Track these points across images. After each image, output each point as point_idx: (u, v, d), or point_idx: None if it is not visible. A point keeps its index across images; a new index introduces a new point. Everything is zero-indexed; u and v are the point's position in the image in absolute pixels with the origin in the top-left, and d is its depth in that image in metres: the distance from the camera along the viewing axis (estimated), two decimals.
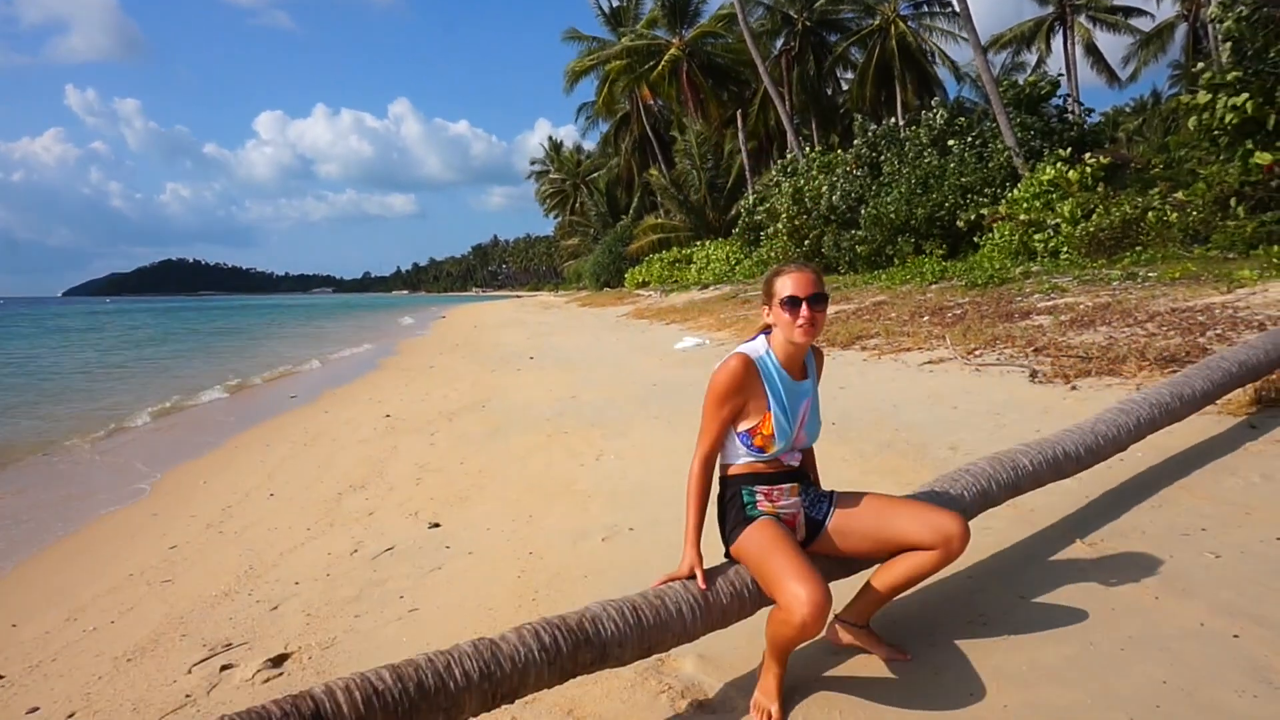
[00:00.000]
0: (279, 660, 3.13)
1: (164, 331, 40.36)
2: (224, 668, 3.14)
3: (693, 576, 2.39)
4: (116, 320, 58.53)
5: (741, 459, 2.50)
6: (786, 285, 2.44)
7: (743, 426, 2.45)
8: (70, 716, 2.95)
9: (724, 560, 2.55)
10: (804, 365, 2.56)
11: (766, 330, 2.55)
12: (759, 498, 2.48)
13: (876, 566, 2.60)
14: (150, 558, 4.95)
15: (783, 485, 2.51)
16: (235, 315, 65.74)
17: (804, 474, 2.61)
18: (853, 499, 2.58)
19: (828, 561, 2.58)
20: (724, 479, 2.55)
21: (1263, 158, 11.59)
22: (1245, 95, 11.75)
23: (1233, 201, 12.06)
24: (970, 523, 3.48)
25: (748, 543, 2.40)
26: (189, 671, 3.15)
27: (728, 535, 2.50)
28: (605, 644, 2.18)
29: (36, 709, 3.07)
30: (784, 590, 2.20)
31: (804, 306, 2.40)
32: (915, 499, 2.73)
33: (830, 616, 2.47)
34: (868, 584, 2.61)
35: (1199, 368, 4.40)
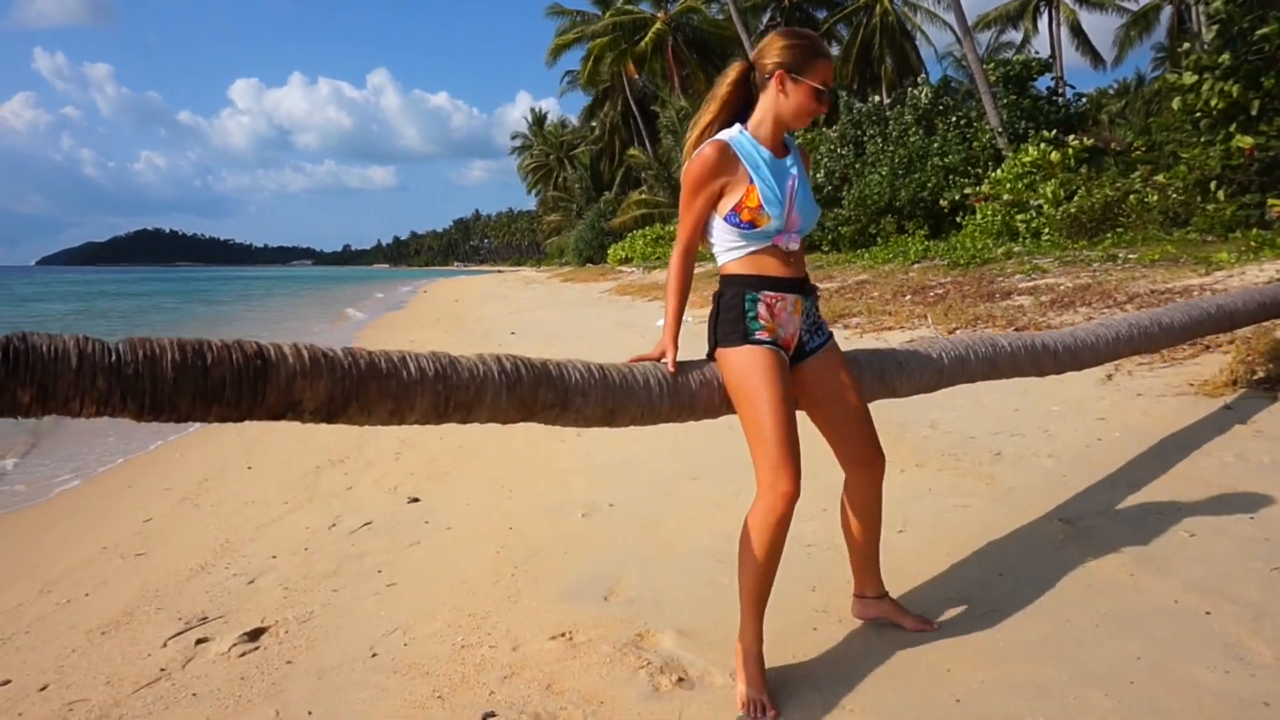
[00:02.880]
0: (255, 634, 3.10)
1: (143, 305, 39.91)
2: (199, 641, 3.11)
3: (664, 360, 2.33)
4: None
5: (741, 249, 2.33)
6: (822, 73, 2.27)
7: (727, 206, 2.29)
8: (43, 689, 2.92)
9: (705, 358, 2.44)
10: (784, 145, 2.38)
11: (739, 119, 2.38)
12: (760, 308, 2.29)
13: (843, 532, 2.63)
14: (124, 530, 4.90)
15: (789, 296, 2.32)
16: (214, 288, 65.01)
17: (810, 288, 2.43)
18: (839, 360, 2.46)
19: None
20: (723, 278, 2.37)
21: (1244, 141, 11.64)
22: (1232, 80, 11.78)
23: (1213, 185, 12.12)
24: (948, 503, 3.52)
25: (741, 365, 2.26)
26: (164, 645, 3.12)
27: (719, 337, 2.33)
28: (568, 389, 2.13)
29: (9, 681, 3.03)
30: (766, 466, 2.19)
31: (825, 100, 2.30)
32: (894, 350, 2.76)
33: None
34: (849, 548, 2.64)
35: (1179, 305, 4.42)
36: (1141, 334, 3.86)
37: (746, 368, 2.26)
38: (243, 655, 2.95)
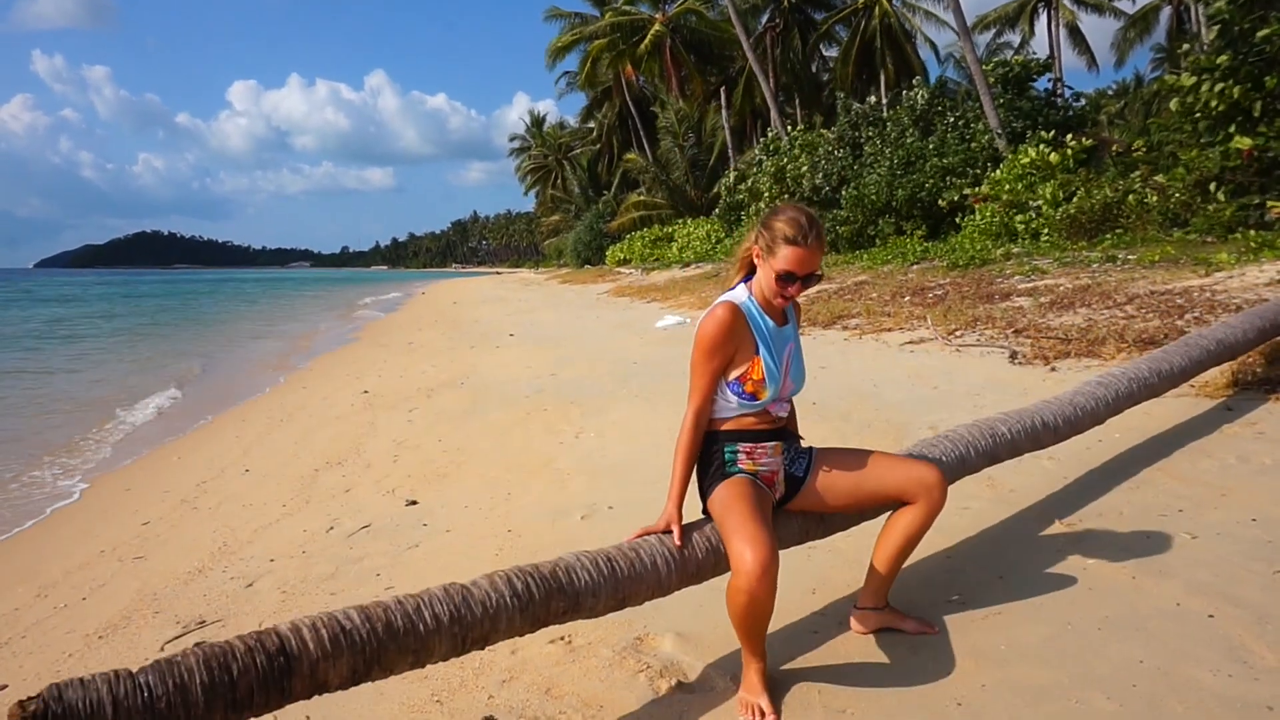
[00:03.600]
0: None
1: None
2: (197, 645, 3.09)
3: (669, 531, 2.36)
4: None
5: (732, 413, 2.46)
6: (791, 260, 2.35)
7: (733, 375, 2.41)
8: None
9: (702, 516, 2.51)
10: (784, 312, 2.53)
11: (747, 276, 2.52)
12: (740, 455, 2.44)
13: (873, 549, 2.60)
14: (123, 534, 4.88)
15: (766, 444, 2.48)
16: (213, 293, 65.01)
17: (787, 432, 2.59)
18: (832, 454, 2.58)
19: (806, 519, 2.58)
20: (709, 434, 2.49)
21: (1243, 142, 11.64)
22: (1233, 81, 11.77)
23: (1213, 186, 12.12)
24: (949, 505, 3.49)
25: (717, 499, 2.38)
26: (161, 649, 3.11)
27: (705, 490, 2.47)
28: (578, 593, 2.15)
29: (5, 686, 3.01)
30: (732, 550, 2.21)
31: (798, 285, 2.39)
32: (892, 454, 2.74)
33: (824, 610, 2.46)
34: (871, 565, 2.62)
35: (1178, 345, 4.42)
36: (1142, 387, 3.87)
37: (724, 495, 2.37)
38: None
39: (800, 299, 2.57)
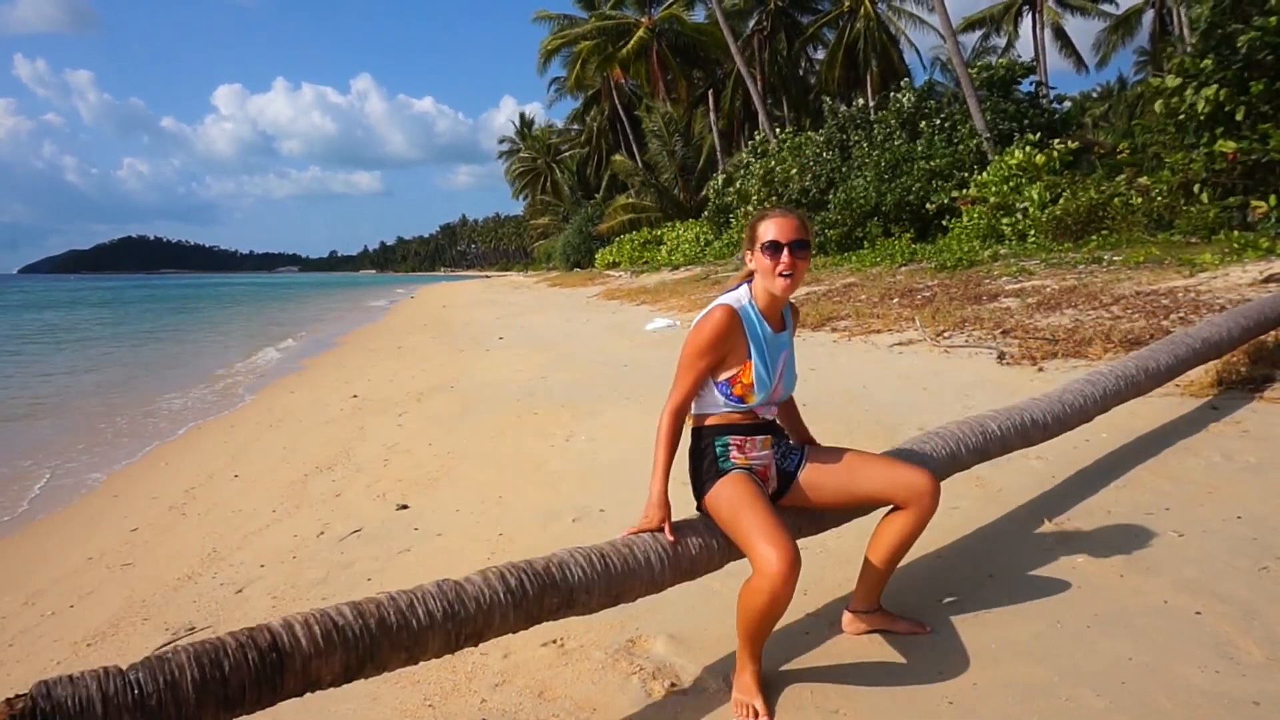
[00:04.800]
0: None
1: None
2: (189, 642, 3.07)
3: (660, 529, 2.35)
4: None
5: (718, 409, 2.46)
6: (769, 230, 2.41)
7: (722, 376, 2.42)
8: None
9: (696, 513, 2.52)
10: (782, 317, 2.54)
11: (748, 279, 2.53)
12: (732, 450, 2.43)
13: (866, 549, 2.61)
14: (111, 540, 4.85)
15: (756, 437, 2.48)
16: (198, 298, 64.66)
17: (777, 427, 2.59)
18: (825, 453, 2.58)
19: (798, 516, 2.58)
20: (697, 430, 2.51)
21: (1227, 146, 11.75)
22: (1218, 86, 11.88)
23: (1196, 188, 12.23)
24: (939, 505, 3.50)
25: (719, 498, 2.37)
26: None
27: (700, 487, 2.46)
28: (572, 589, 2.14)
29: None
30: (755, 551, 2.19)
31: (785, 252, 2.39)
32: (886, 456, 2.74)
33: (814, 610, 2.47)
34: (864, 567, 2.62)
35: (1164, 343, 4.46)
36: (1129, 384, 3.90)
37: (729, 496, 2.35)
38: None
39: (795, 298, 2.57)
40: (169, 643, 3.17)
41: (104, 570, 4.31)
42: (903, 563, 3.16)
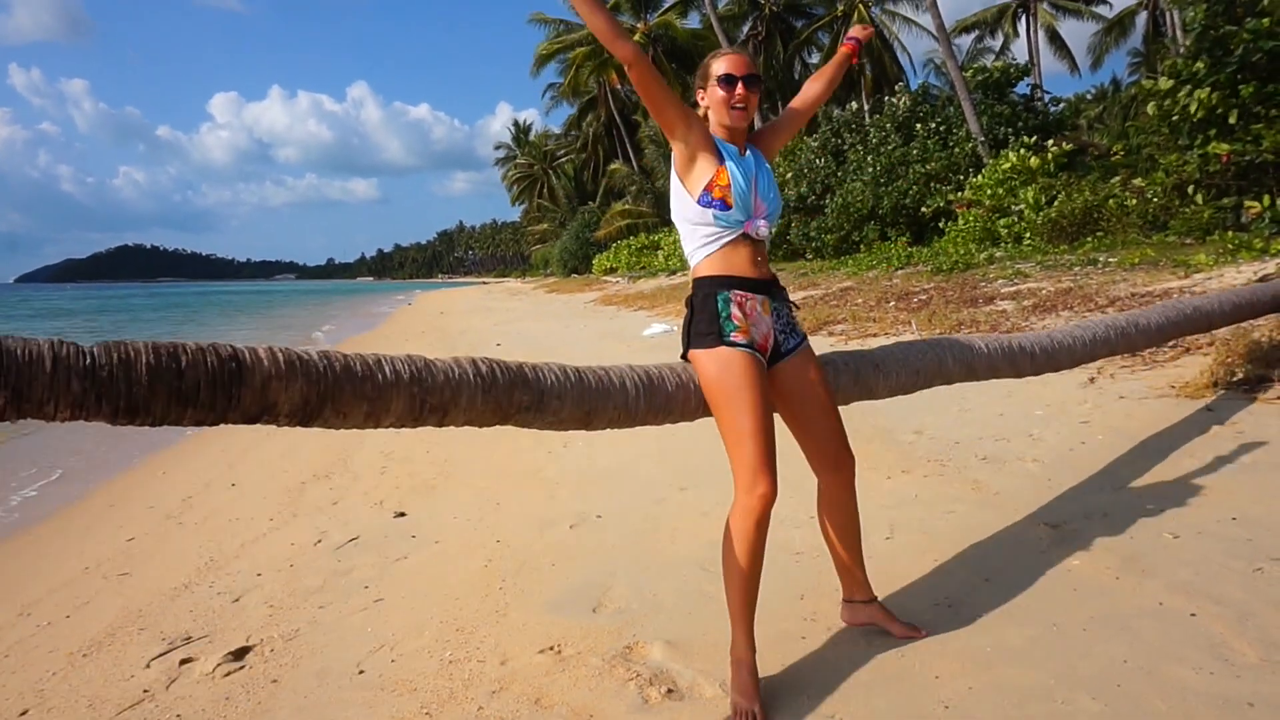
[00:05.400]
0: (240, 653, 3.07)
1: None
2: (183, 661, 3.07)
3: None
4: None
5: (713, 242, 2.39)
6: (722, 65, 2.44)
7: (699, 186, 2.37)
8: (23, 714, 2.88)
9: (680, 360, 2.48)
10: (745, 146, 2.51)
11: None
12: (733, 307, 2.34)
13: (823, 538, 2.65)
14: (107, 550, 4.84)
15: (757, 296, 2.39)
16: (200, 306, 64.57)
17: (777, 289, 2.50)
18: (811, 366, 2.50)
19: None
20: (695, 281, 2.44)
21: (1220, 147, 11.80)
22: (1210, 89, 11.93)
23: (1191, 189, 12.27)
24: (935, 509, 3.54)
25: (720, 369, 2.29)
26: (147, 666, 3.09)
27: (694, 338, 2.37)
28: (544, 391, 2.14)
29: None
30: (742, 467, 2.21)
31: (740, 85, 2.41)
32: (877, 350, 2.81)
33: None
34: (832, 556, 2.67)
35: (1156, 307, 4.46)
36: (1119, 335, 3.90)
37: (723, 370, 2.30)
38: (227, 675, 2.92)
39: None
40: (165, 653, 3.17)
41: (100, 580, 4.30)
42: (898, 566, 3.18)
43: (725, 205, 2.36)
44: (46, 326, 34.08)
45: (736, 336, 2.33)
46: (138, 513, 5.67)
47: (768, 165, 2.54)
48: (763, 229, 2.43)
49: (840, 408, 2.61)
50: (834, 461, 2.51)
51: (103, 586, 4.19)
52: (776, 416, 2.45)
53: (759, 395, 2.28)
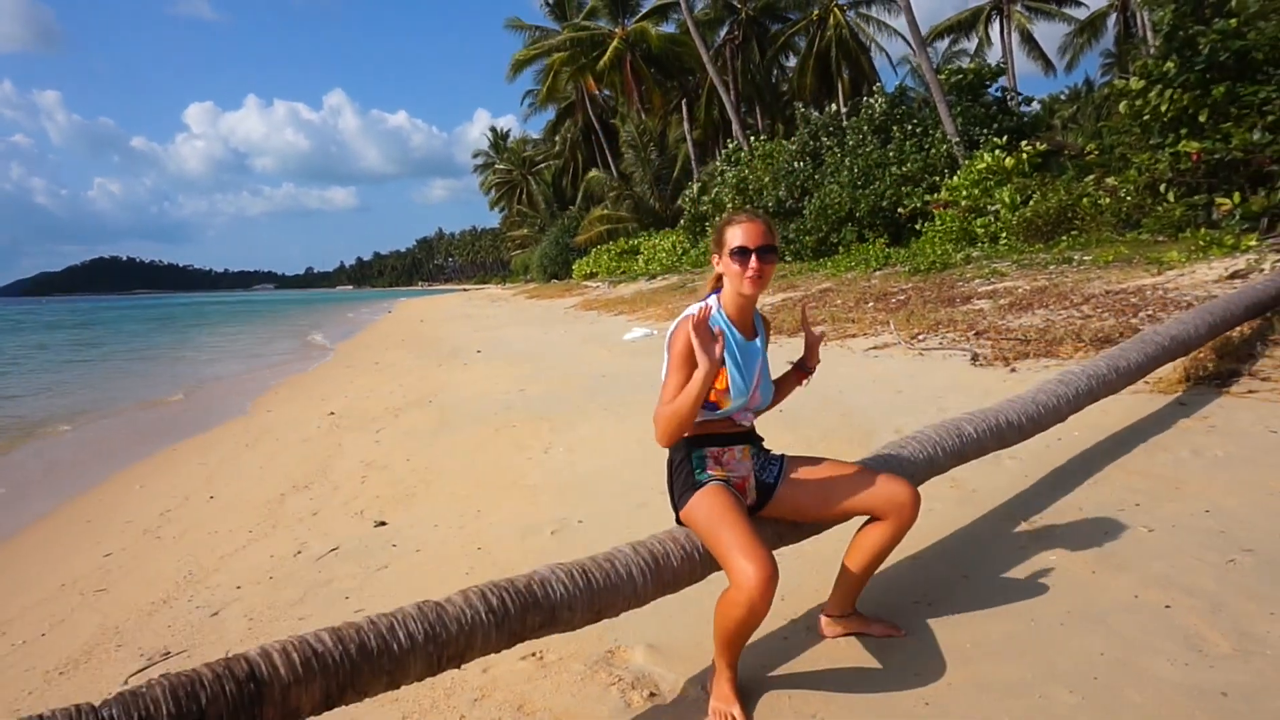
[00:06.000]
0: None
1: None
2: (163, 675, 3.03)
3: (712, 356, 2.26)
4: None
5: (696, 419, 2.44)
6: (736, 235, 2.44)
7: None
8: None
9: (676, 524, 2.52)
10: (753, 325, 2.56)
11: (717, 289, 2.55)
12: (709, 461, 2.43)
13: (843, 556, 2.62)
14: (84, 566, 4.78)
15: (733, 447, 2.48)
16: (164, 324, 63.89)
17: (756, 437, 2.59)
18: (804, 462, 2.59)
19: (779, 525, 2.58)
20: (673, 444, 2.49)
21: (1191, 146, 11.97)
22: (1180, 89, 12.10)
23: (1163, 187, 12.44)
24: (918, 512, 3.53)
25: (696, 510, 2.36)
26: (125, 683, 3.05)
27: (677, 500, 2.46)
28: (554, 606, 2.14)
29: None
30: (732, 566, 2.20)
31: (753, 258, 2.41)
32: (865, 465, 2.75)
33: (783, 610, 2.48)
34: (840, 574, 2.64)
35: (1133, 342, 4.53)
36: (1100, 383, 3.96)
37: (705, 508, 2.35)
38: None
39: (769, 305, 2.56)
40: (143, 669, 3.14)
41: (77, 596, 4.25)
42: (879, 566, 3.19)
43: (718, 407, 2.43)
44: (40, 339, 33.59)
45: (713, 473, 2.42)
46: (115, 527, 5.60)
47: (766, 353, 2.58)
48: (749, 419, 2.54)
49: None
50: (899, 502, 2.48)
51: (80, 603, 4.14)
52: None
53: (737, 508, 2.32)
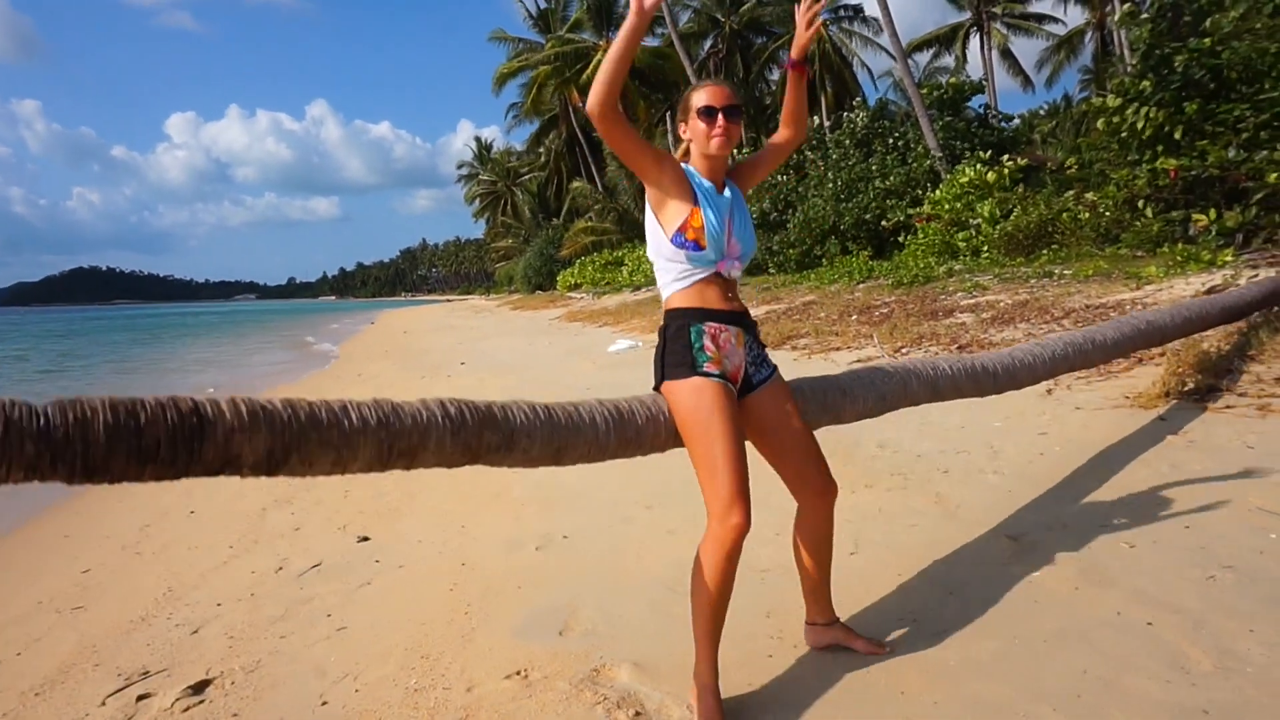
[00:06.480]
0: (200, 687, 3.01)
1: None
2: (141, 697, 3.00)
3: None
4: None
5: (685, 278, 2.41)
6: (702, 97, 2.45)
7: (673, 226, 2.39)
8: None
9: (653, 391, 2.47)
10: (723, 183, 2.52)
11: (685, 155, 2.55)
12: (706, 339, 2.35)
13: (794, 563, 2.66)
14: (61, 583, 4.72)
15: (730, 328, 2.40)
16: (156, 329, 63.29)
17: (749, 321, 2.51)
18: (783, 396, 2.52)
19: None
20: (668, 313, 2.45)
21: (1168, 163, 12.13)
22: (1156, 107, 12.27)
23: (1141, 203, 12.60)
24: (898, 523, 3.57)
25: (687, 397, 2.30)
26: (103, 704, 3.01)
27: (667, 370, 2.37)
28: (513, 430, 2.12)
29: None
30: (715, 496, 2.21)
31: (720, 116, 2.42)
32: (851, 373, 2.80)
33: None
34: (801, 577, 2.67)
35: (1111, 323, 4.57)
36: (1076, 351, 3.99)
37: (696, 400, 2.31)
38: (186, 710, 2.86)
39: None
40: (121, 689, 3.09)
41: (53, 614, 4.19)
42: (861, 581, 3.20)
43: (699, 246, 2.37)
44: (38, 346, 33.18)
45: (709, 367, 2.34)
46: (93, 543, 5.53)
47: (745, 203, 2.56)
48: (735, 269, 2.48)
49: None
50: (816, 487, 2.51)
51: (56, 621, 4.08)
52: (752, 448, 2.46)
53: (732, 425, 2.29)
